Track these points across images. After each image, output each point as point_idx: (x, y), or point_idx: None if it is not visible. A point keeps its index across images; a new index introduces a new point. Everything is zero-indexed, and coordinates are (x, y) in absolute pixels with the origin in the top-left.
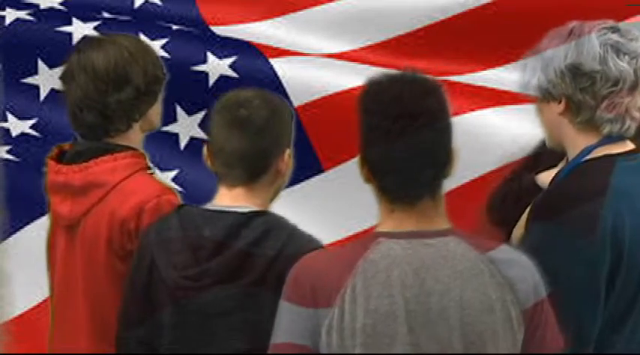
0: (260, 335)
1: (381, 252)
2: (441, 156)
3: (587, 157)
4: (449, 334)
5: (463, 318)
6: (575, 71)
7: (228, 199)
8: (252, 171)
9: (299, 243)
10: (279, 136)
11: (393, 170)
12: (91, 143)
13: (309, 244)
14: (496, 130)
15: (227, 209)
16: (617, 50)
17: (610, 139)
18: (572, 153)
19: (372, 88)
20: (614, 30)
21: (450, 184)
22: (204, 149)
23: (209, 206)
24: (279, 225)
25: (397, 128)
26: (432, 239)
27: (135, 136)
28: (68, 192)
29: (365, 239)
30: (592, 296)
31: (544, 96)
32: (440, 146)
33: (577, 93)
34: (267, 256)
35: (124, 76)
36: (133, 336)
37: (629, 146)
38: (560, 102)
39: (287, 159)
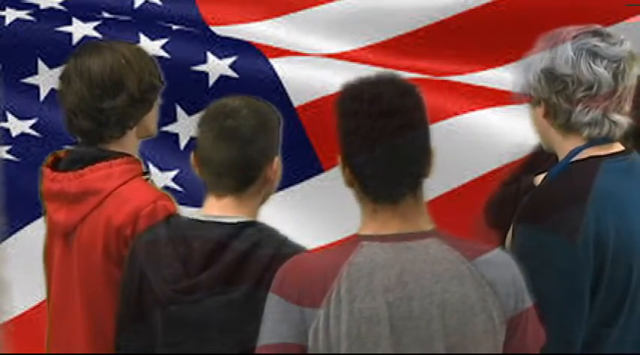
0: (253, 345)
1: (364, 256)
2: (421, 155)
3: (574, 159)
4: (431, 337)
5: (444, 321)
6: (549, 75)
7: (217, 209)
8: (242, 180)
9: (290, 254)
10: (268, 145)
11: (375, 170)
12: (85, 150)
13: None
14: (496, 130)
15: (216, 219)
16: (594, 54)
17: (595, 142)
18: (560, 155)
19: (350, 91)
20: (596, 34)
21: (450, 184)
22: (192, 157)
23: (198, 216)
24: (270, 235)
25: (377, 128)
26: (414, 241)
27: (130, 142)
28: (64, 199)
29: (349, 242)
30: (576, 297)
31: (530, 101)
32: (419, 145)
33: (552, 97)
34: (258, 267)
35: (118, 83)
36: (129, 345)
37: (617, 148)
38: (541, 105)
39: (276, 167)
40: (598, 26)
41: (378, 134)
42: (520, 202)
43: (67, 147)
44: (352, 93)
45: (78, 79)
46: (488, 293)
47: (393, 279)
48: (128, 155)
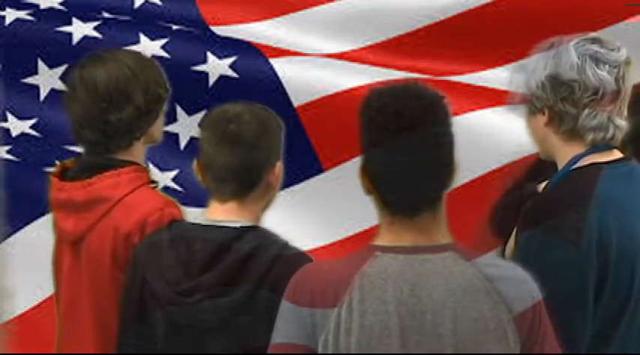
0: (254, 347)
1: (378, 267)
2: (442, 170)
3: (575, 166)
4: (442, 351)
5: (456, 336)
6: (554, 81)
7: (220, 213)
8: (244, 185)
9: (290, 258)
10: (270, 150)
11: (394, 183)
12: (93, 159)
13: (300, 258)
14: (496, 130)
15: (219, 224)
16: (597, 60)
17: (597, 148)
18: (560, 163)
19: (374, 101)
20: (594, 41)
21: None
22: (194, 163)
23: (200, 220)
24: (270, 239)
25: (399, 142)
26: (430, 254)
27: (137, 151)
28: (71, 208)
29: (363, 252)
30: (580, 301)
31: (529, 109)
32: (441, 159)
33: (558, 103)
34: (258, 270)
35: (124, 95)
36: (132, 346)
37: (617, 155)
38: (543, 113)
39: (278, 172)
40: (593, 34)
41: (399, 149)
42: (522, 209)
43: (71, 148)
44: (376, 104)
45: (83, 91)
46: (502, 310)
47: (406, 292)
48: (135, 163)
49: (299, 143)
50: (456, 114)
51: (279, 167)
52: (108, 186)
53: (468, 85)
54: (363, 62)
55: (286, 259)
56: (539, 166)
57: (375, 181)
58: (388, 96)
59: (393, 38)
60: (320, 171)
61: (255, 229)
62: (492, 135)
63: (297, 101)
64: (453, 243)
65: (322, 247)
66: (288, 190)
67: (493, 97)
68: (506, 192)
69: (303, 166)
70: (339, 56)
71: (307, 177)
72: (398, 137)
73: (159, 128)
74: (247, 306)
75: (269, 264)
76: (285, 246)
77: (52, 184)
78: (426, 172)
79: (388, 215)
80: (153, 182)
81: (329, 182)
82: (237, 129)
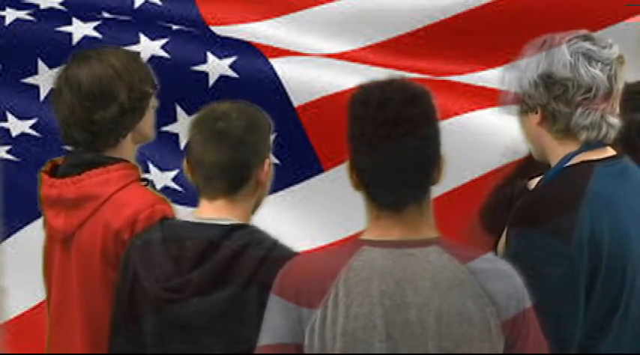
0: (242, 346)
1: (364, 260)
2: (426, 163)
3: (567, 164)
4: (426, 344)
5: (440, 329)
6: (547, 80)
7: (210, 211)
8: (232, 182)
9: (279, 256)
10: (258, 147)
11: (378, 177)
12: (83, 156)
13: (290, 257)
14: (496, 130)
15: (208, 221)
16: (589, 58)
17: (589, 146)
18: (553, 161)
19: (359, 95)
20: (586, 38)
21: (450, 184)
22: (184, 162)
23: (191, 218)
24: (260, 237)
25: (382, 135)
26: (415, 248)
27: (127, 148)
28: (62, 205)
29: (350, 245)
30: (572, 299)
31: (522, 108)
32: (425, 153)
33: (551, 102)
34: (247, 268)
35: (108, 94)
36: (123, 345)
37: (609, 152)
38: (536, 112)
39: (267, 169)
40: (585, 31)
41: (382, 141)
42: (514, 206)
43: (66, 147)
44: (360, 98)
45: (68, 91)
46: (487, 304)
47: (391, 285)
48: (125, 161)
49: (299, 143)
50: (456, 114)
51: (268, 163)
52: (97, 183)
53: (468, 85)
54: (363, 62)
55: (274, 260)
56: (529, 163)
57: (361, 176)
58: (372, 90)
59: (393, 38)
60: (320, 171)
61: (244, 227)
62: (492, 135)
63: (297, 101)
64: (439, 238)
65: (322, 247)
66: (288, 190)
67: (493, 97)
68: (497, 189)
69: (303, 166)
70: (339, 56)
71: (307, 177)
72: (382, 130)
73: (148, 125)
74: (236, 304)
75: (257, 264)
76: (274, 244)
77: (43, 181)
78: (412, 166)
79: (375, 209)
80: (144, 180)
81: (329, 182)
82: (225, 126)
